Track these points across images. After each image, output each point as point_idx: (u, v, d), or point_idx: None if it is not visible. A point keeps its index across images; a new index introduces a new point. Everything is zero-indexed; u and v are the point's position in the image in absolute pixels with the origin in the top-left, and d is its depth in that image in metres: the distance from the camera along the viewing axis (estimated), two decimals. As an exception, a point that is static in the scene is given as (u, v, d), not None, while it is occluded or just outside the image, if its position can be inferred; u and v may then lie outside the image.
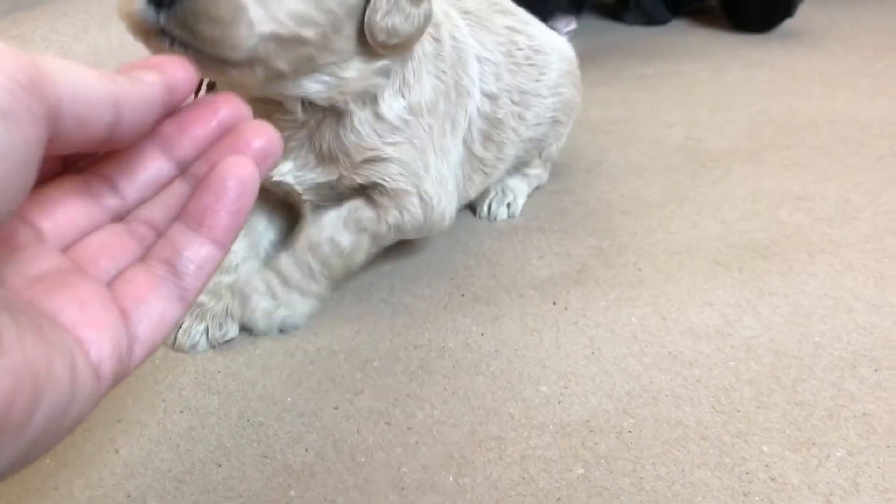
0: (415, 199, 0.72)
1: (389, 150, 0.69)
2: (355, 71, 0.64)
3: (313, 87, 0.63)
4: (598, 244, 0.86)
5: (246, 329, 0.72)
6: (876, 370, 0.65)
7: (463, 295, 0.78)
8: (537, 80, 0.88)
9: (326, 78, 0.63)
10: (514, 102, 0.84)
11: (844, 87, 1.28)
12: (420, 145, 0.71)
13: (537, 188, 0.99)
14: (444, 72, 0.73)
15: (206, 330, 0.70)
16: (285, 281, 0.72)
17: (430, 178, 0.72)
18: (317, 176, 0.71)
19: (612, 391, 0.64)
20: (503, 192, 0.94)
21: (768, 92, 1.27)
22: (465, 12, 0.82)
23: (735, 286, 0.78)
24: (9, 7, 1.12)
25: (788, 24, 1.54)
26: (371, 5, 0.60)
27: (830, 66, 1.38)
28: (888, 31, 1.58)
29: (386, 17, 0.61)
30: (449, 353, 0.70)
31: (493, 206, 0.93)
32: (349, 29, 0.61)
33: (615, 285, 0.78)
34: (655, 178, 0.99)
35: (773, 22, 1.54)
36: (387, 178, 0.70)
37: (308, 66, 0.61)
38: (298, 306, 0.73)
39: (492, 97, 0.81)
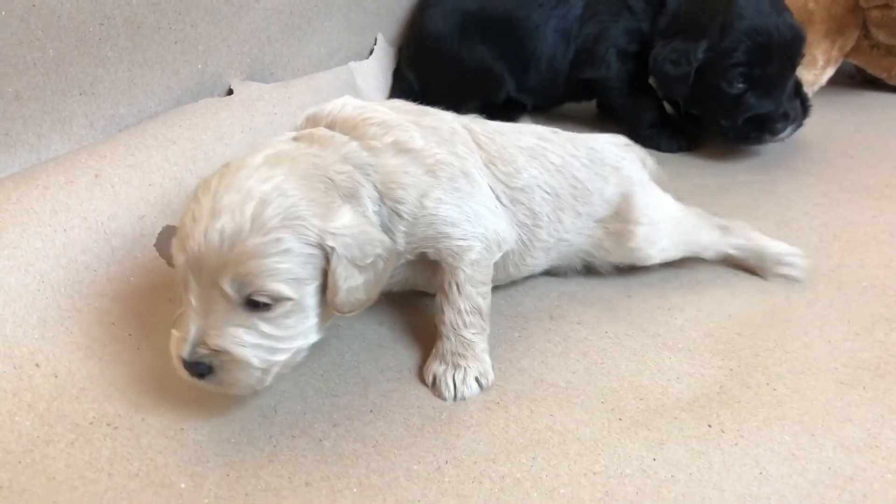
0: (476, 244, 0.88)
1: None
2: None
3: None
4: (726, 364, 0.94)
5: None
6: None
7: (620, 419, 0.85)
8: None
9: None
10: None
11: (890, 200, 1.40)
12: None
13: None
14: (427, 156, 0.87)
15: None
16: (452, 352, 0.89)
17: (479, 224, 0.88)
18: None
19: (796, 513, 0.71)
20: None
21: (823, 204, 1.39)
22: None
23: (865, 403, 0.86)
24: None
25: (821, 132, 1.69)
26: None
27: (870, 177, 1.51)
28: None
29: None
30: (628, 479, 0.77)
31: None
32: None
33: (758, 406, 0.86)
34: (754, 298, 1.08)
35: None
36: (444, 248, 0.87)
37: None
38: (474, 365, 0.89)
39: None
